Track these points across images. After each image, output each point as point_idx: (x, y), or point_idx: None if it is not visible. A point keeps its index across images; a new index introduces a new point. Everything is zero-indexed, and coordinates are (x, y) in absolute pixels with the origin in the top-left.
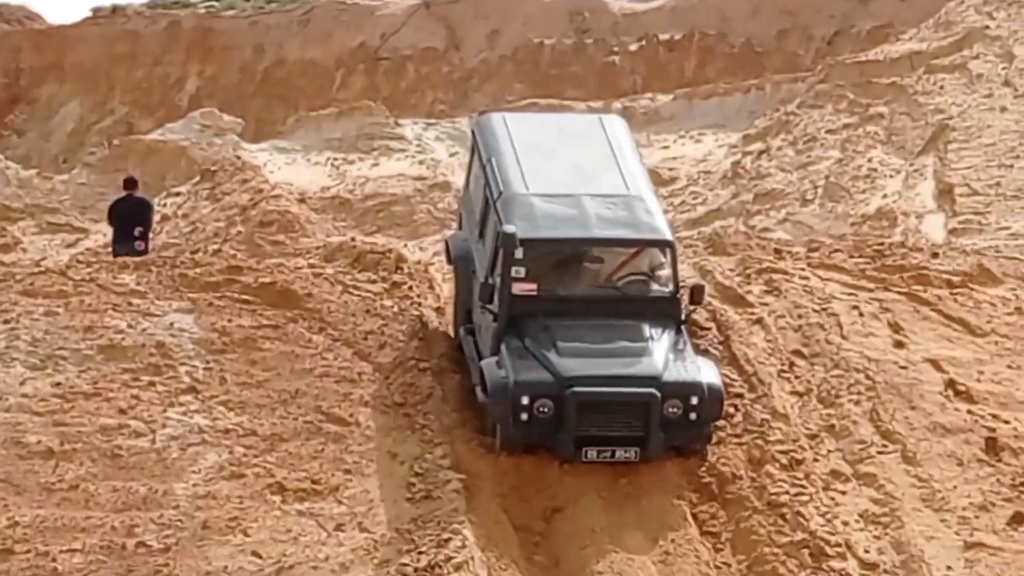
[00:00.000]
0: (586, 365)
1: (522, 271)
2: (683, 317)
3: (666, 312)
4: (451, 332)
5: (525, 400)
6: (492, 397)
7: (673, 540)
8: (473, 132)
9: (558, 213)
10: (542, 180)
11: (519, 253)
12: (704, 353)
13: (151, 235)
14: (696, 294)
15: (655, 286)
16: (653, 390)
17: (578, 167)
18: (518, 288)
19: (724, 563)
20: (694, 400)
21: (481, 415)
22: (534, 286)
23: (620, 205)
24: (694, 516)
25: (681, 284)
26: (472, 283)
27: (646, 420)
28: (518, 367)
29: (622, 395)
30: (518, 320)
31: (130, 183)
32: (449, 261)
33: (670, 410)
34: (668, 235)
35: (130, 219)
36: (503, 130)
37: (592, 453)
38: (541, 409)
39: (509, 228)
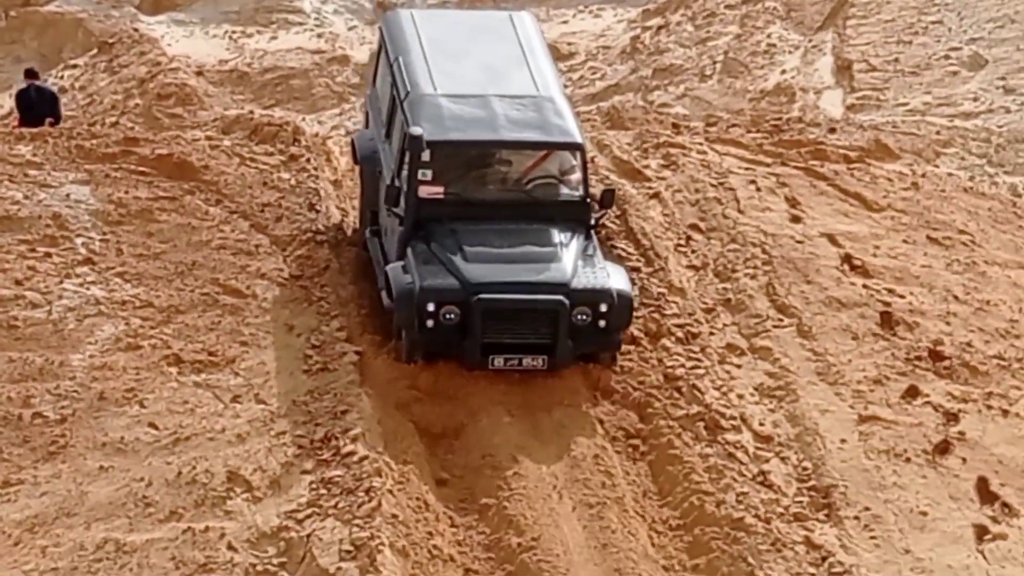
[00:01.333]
0: (493, 271)
1: (429, 174)
2: (593, 222)
3: (576, 216)
4: (356, 225)
5: (431, 307)
6: (397, 303)
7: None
8: (380, 29)
9: (466, 115)
10: (450, 80)
11: (426, 156)
12: (610, 258)
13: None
14: (606, 198)
15: (565, 190)
16: (561, 297)
17: (487, 66)
18: (425, 191)
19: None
20: (603, 307)
21: (386, 314)
22: (441, 189)
23: (530, 106)
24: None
25: (591, 188)
26: (378, 184)
27: (554, 328)
28: (424, 272)
29: (530, 302)
30: (425, 224)
31: (31, 73)
32: (355, 161)
33: (579, 317)
34: (578, 138)
35: (39, 110)
36: (411, 27)
37: (499, 361)
38: (447, 316)
39: (416, 130)
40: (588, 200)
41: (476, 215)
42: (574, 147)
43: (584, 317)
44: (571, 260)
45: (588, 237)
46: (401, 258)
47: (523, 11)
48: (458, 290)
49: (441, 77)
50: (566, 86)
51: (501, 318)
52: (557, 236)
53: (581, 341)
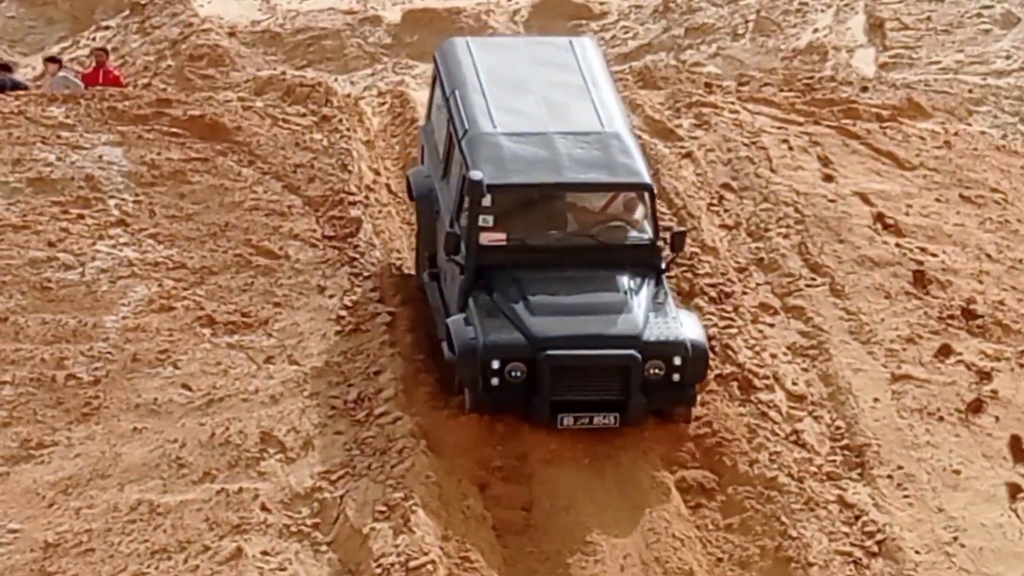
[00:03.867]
0: (561, 325)
1: (490, 220)
2: (663, 266)
3: (645, 261)
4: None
5: (496, 364)
6: (460, 359)
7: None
8: (435, 59)
9: (528, 155)
10: (510, 117)
11: (487, 201)
12: (683, 306)
13: None
14: (677, 241)
15: (633, 232)
16: (633, 351)
17: (549, 100)
18: (486, 238)
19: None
20: (677, 360)
21: (448, 367)
22: (503, 235)
23: (595, 144)
24: None
25: (661, 230)
26: (435, 224)
27: (626, 384)
28: (487, 327)
29: (600, 358)
30: (486, 272)
31: (4, 68)
32: (411, 198)
33: (652, 372)
34: (647, 178)
35: None
36: (467, 58)
37: (568, 420)
38: (513, 373)
39: (476, 175)
40: (658, 243)
41: (540, 262)
42: (642, 187)
43: (658, 372)
44: (642, 309)
45: (659, 283)
46: (462, 309)
47: (585, 36)
48: (524, 346)
49: (500, 114)
50: (601, 46)
51: (570, 375)
52: (626, 283)
53: (655, 396)
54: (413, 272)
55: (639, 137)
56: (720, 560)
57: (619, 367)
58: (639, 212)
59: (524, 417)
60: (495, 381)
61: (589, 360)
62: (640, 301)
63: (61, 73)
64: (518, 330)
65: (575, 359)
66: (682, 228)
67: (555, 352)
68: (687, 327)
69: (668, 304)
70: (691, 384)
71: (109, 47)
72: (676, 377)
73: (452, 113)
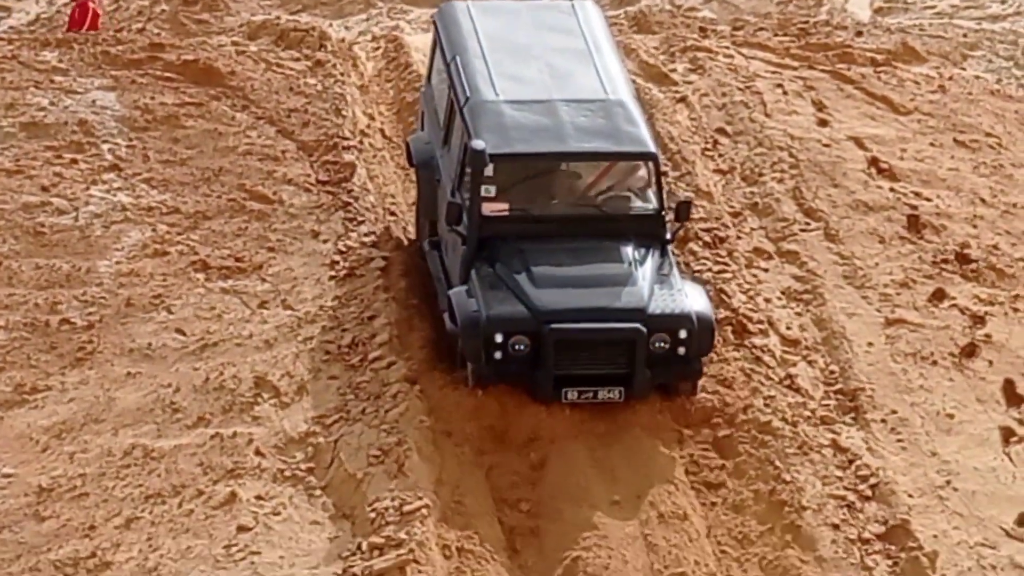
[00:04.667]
0: (565, 297)
1: (492, 190)
2: (669, 236)
3: (650, 231)
4: (412, 231)
5: (499, 337)
6: (463, 332)
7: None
8: (435, 23)
9: (531, 123)
10: (512, 84)
11: (489, 171)
12: (688, 277)
13: None
14: (682, 210)
15: (638, 203)
16: (638, 325)
17: (552, 66)
18: (488, 208)
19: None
20: (683, 334)
21: (449, 339)
22: (506, 206)
23: (599, 112)
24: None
25: (667, 199)
26: (436, 192)
27: (631, 358)
28: (490, 299)
29: (605, 331)
30: (489, 243)
31: None
32: (410, 164)
33: (657, 345)
34: (652, 147)
35: None
36: (468, 22)
37: (572, 394)
38: (517, 347)
39: (478, 144)
40: (663, 213)
41: (544, 232)
42: (647, 156)
43: (663, 345)
44: (647, 282)
45: (664, 254)
46: (465, 281)
47: (587, 1)
48: (528, 319)
49: (503, 81)
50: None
51: (574, 348)
52: (631, 254)
53: (660, 370)
54: (413, 236)
55: (641, 101)
56: (715, 504)
57: (624, 340)
58: (644, 181)
59: (527, 391)
60: (498, 355)
61: (594, 333)
62: (645, 273)
63: None
64: (521, 303)
65: (580, 332)
66: (688, 198)
67: (559, 325)
68: (693, 299)
69: (673, 276)
70: (697, 358)
71: None
72: (682, 351)
73: (453, 79)
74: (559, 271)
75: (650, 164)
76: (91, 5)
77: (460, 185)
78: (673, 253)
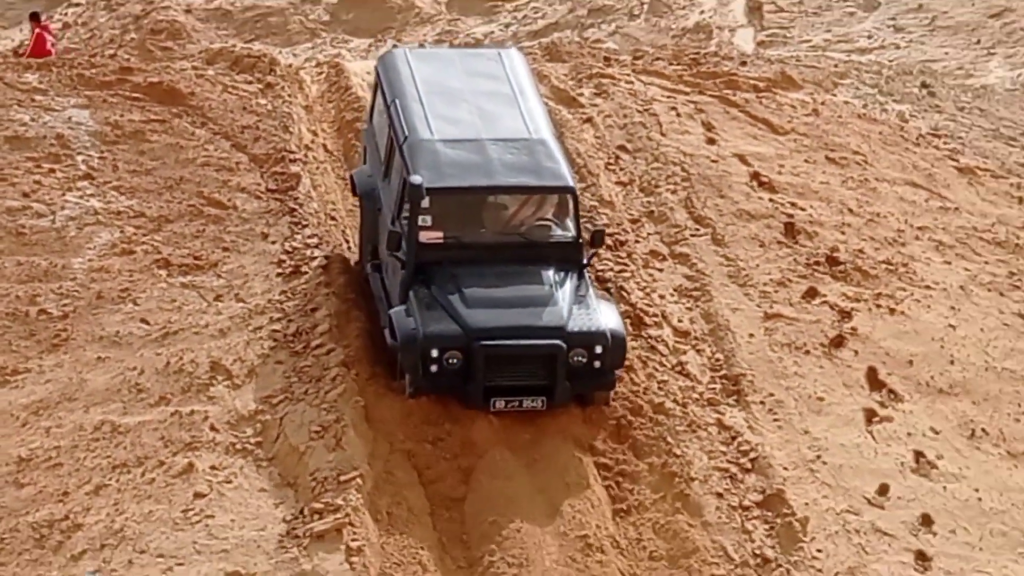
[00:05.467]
0: (493, 316)
1: (428, 220)
2: (585, 261)
3: (569, 257)
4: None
5: (435, 352)
6: (403, 347)
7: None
8: (377, 69)
9: (462, 160)
10: (446, 125)
11: (425, 203)
12: (603, 296)
13: None
14: (596, 238)
15: (557, 231)
16: (558, 341)
17: (481, 109)
18: (425, 236)
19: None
20: (598, 349)
21: (389, 352)
22: (440, 234)
23: (523, 150)
24: None
25: (583, 228)
26: (377, 220)
27: (552, 371)
28: (427, 318)
29: (528, 348)
30: (425, 267)
31: None
32: (354, 194)
33: (575, 359)
34: (570, 181)
35: None
36: (407, 69)
37: (500, 403)
38: (450, 360)
39: (416, 179)
40: (580, 241)
41: (474, 258)
42: (566, 190)
43: (580, 359)
44: (566, 302)
45: (581, 276)
46: (404, 301)
47: (511, 48)
48: (460, 336)
49: (437, 122)
50: (508, 25)
51: (502, 363)
52: (552, 277)
53: (578, 381)
54: (356, 260)
55: (561, 139)
56: (614, 476)
57: (546, 355)
58: (563, 212)
59: (459, 400)
60: (434, 368)
61: (519, 349)
62: (564, 294)
63: None
64: (455, 321)
65: (506, 348)
66: (601, 227)
67: (488, 342)
68: (607, 318)
69: (589, 296)
70: (611, 370)
71: (76, 20)
72: (597, 364)
73: (393, 120)
74: (488, 293)
75: (568, 197)
76: (47, 38)
77: (399, 215)
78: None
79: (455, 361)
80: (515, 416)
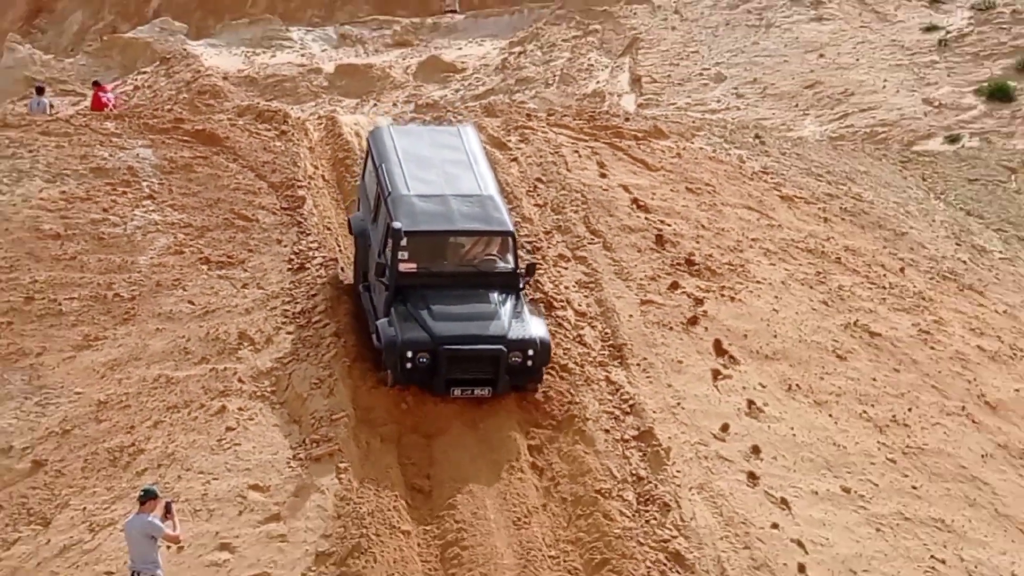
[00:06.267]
0: (453, 327)
1: (406, 255)
2: (521, 286)
3: (509, 283)
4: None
5: (410, 354)
6: (385, 349)
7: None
8: (368, 140)
9: (431, 210)
10: (418, 183)
11: (404, 242)
12: (535, 312)
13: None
14: (530, 270)
15: (500, 264)
16: (501, 347)
17: (445, 172)
18: (403, 267)
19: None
20: (530, 352)
21: (375, 351)
22: (414, 265)
23: (475, 203)
24: None
25: (520, 262)
26: (368, 253)
27: (496, 368)
28: (404, 328)
29: (479, 351)
30: (403, 289)
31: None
32: (351, 233)
33: (513, 360)
34: (510, 227)
35: None
36: (390, 140)
37: (457, 391)
38: (421, 360)
39: (396, 225)
40: (517, 271)
41: (439, 283)
42: (507, 234)
43: (517, 359)
44: (507, 317)
45: (518, 298)
46: (387, 315)
47: (468, 125)
48: (429, 342)
49: (412, 181)
50: (457, 90)
51: (459, 362)
52: (496, 298)
53: (514, 376)
54: (352, 278)
55: (504, 191)
56: (532, 418)
57: (492, 357)
58: (505, 250)
59: (427, 389)
60: (409, 365)
61: (472, 352)
62: (505, 311)
63: (44, 98)
64: (424, 331)
65: (463, 351)
66: (533, 261)
67: (449, 347)
68: (537, 329)
69: (524, 313)
70: (539, 368)
71: (143, 84)
72: (529, 363)
73: (379, 179)
74: (449, 309)
75: (509, 239)
76: (103, 96)
77: (384, 250)
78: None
79: (425, 360)
80: (468, 401)
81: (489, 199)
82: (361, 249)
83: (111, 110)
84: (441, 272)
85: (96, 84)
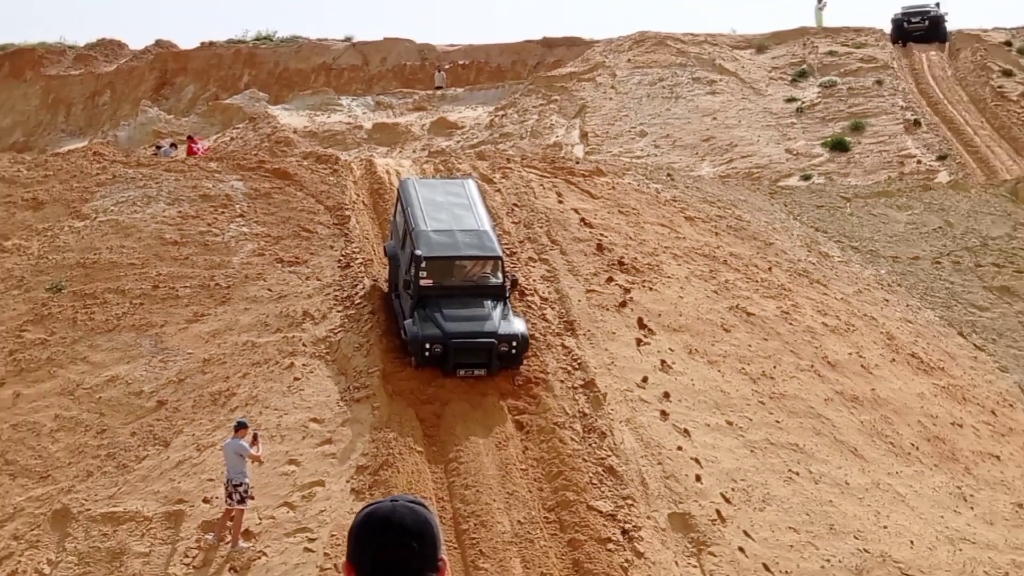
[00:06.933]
0: (459, 326)
1: (425, 273)
2: (507, 295)
3: (499, 293)
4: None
5: (427, 346)
6: (410, 342)
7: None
8: (398, 189)
9: (443, 241)
10: (434, 221)
11: (423, 265)
12: (517, 314)
13: None
14: (514, 283)
15: (492, 279)
16: (493, 340)
17: (453, 213)
18: (423, 282)
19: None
20: (514, 344)
21: (402, 343)
22: (431, 281)
23: (474, 236)
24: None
25: (506, 278)
26: (397, 271)
27: (490, 356)
28: (424, 327)
29: (477, 343)
30: (423, 299)
31: (172, 145)
32: (385, 255)
33: (502, 349)
34: (499, 253)
35: None
36: (414, 190)
37: (462, 372)
38: (435, 350)
39: (418, 252)
40: (504, 284)
41: (448, 294)
42: (497, 258)
43: (505, 349)
44: (497, 318)
45: (505, 304)
46: (411, 317)
47: (469, 179)
48: (441, 337)
49: (430, 220)
50: (458, 141)
51: (464, 351)
52: (489, 304)
53: (502, 361)
54: (386, 282)
55: (493, 218)
56: (509, 377)
57: (487, 347)
58: (495, 269)
59: (441, 370)
60: (427, 354)
61: (473, 344)
62: (496, 314)
63: (167, 146)
64: (438, 328)
65: (466, 343)
66: (516, 276)
67: (457, 340)
68: (518, 327)
69: (509, 315)
70: (520, 355)
71: (236, 137)
72: (513, 352)
73: (406, 218)
74: (455, 312)
75: (498, 261)
76: (194, 146)
77: (409, 270)
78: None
79: (438, 350)
80: (472, 380)
81: (484, 233)
82: (393, 268)
83: (200, 155)
84: (450, 285)
85: (190, 138)
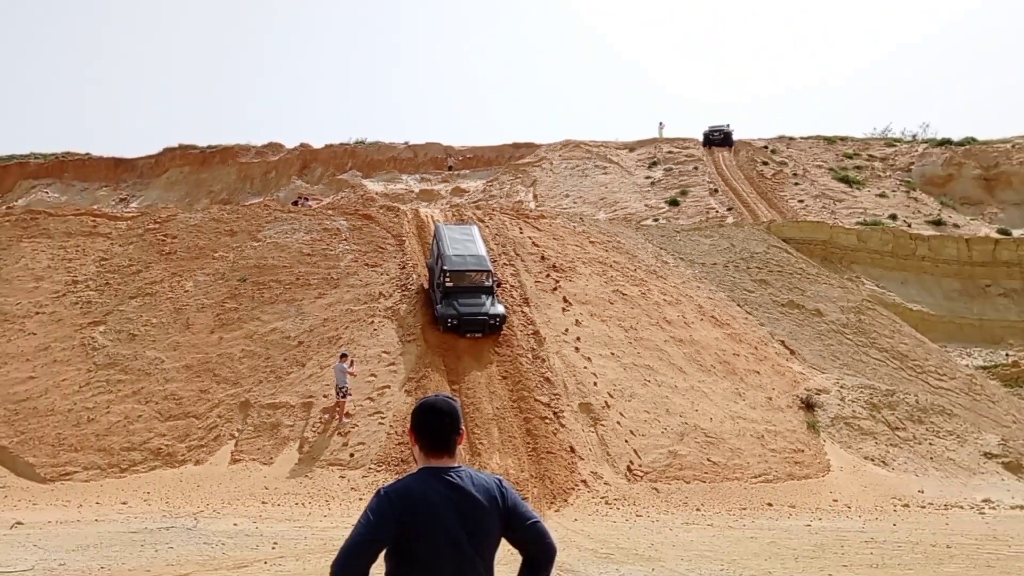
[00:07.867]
0: (467, 309)
1: (448, 279)
2: (494, 291)
3: (490, 291)
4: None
5: (449, 320)
6: (440, 319)
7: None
8: (433, 231)
9: (459, 260)
10: (454, 249)
11: (448, 274)
12: (500, 301)
13: None
14: (498, 284)
15: (486, 282)
16: (487, 317)
17: (463, 244)
18: (447, 284)
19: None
20: (498, 319)
21: (435, 319)
22: (452, 284)
23: (477, 258)
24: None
25: (494, 280)
26: (433, 278)
27: (484, 326)
28: (447, 309)
29: (478, 319)
30: (448, 293)
31: (303, 197)
32: (426, 266)
33: (491, 323)
34: (490, 268)
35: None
36: (443, 232)
37: (468, 335)
38: (453, 322)
39: (445, 267)
40: (493, 285)
41: (462, 291)
42: (489, 271)
43: (493, 322)
44: (489, 305)
45: (493, 296)
46: (440, 303)
47: (473, 224)
48: (457, 315)
49: (451, 247)
50: (465, 200)
51: (470, 323)
52: (484, 297)
53: (491, 329)
54: (426, 273)
55: (487, 246)
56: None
57: (483, 321)
58: (488, 277)
59: (457, 334)
60: (449, 325)
61: (475, 319)
62: (488, 302)
63: (303, 201)
64: (455, 310)
65: (471, 319)
66: (499, 279)
67: (466, 317)
68: (500, 309)
69: (496, 302)
70: (501, 325)
71: (339, 199)
72: (497, 324)
73: (438, 245)
74: (466, 301)
75: (490, 272)
76: (308, 199)
77: (439, 276)
78: (496, 295)
79: (455, 323)
80: (474, 339)
81: (482, 257)
82: (430, 275)
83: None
84: (463, 287)
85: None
